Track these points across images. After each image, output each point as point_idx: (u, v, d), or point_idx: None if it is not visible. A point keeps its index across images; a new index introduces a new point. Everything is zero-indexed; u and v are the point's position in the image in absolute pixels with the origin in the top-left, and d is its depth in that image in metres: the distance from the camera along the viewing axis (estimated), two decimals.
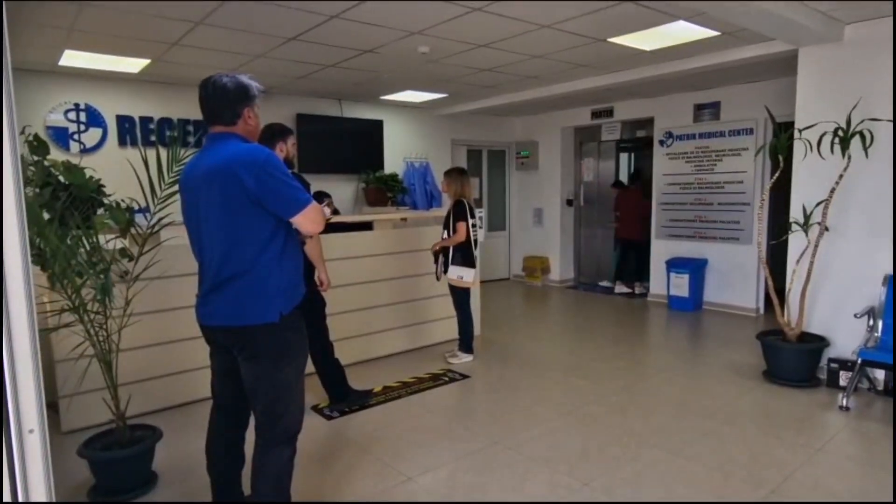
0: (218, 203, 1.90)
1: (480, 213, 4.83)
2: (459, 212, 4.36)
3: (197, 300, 2.06)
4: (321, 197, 5.45)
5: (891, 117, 3.55)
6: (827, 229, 3.82)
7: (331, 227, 4.39)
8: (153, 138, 5.36)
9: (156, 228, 2.72)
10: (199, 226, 1.99)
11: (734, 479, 2.69)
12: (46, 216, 2.69)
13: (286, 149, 3.14)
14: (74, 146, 5.01)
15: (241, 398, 2.08)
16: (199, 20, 3.63)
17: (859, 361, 3.55)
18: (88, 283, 2.49)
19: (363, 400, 3.69)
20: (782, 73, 5.31)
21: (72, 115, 5.00)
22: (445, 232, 4.44)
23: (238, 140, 1.98)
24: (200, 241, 2.00)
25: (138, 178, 2.66)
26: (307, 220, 1.94)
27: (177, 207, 2.27)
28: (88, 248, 2.52)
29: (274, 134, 3.07)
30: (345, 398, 3.62)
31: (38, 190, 2.94)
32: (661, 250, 6.75)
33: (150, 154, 2.77)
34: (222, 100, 1.96)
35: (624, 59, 4.84)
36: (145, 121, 5.36)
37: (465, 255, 4.39)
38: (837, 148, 3.66)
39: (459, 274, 4.36)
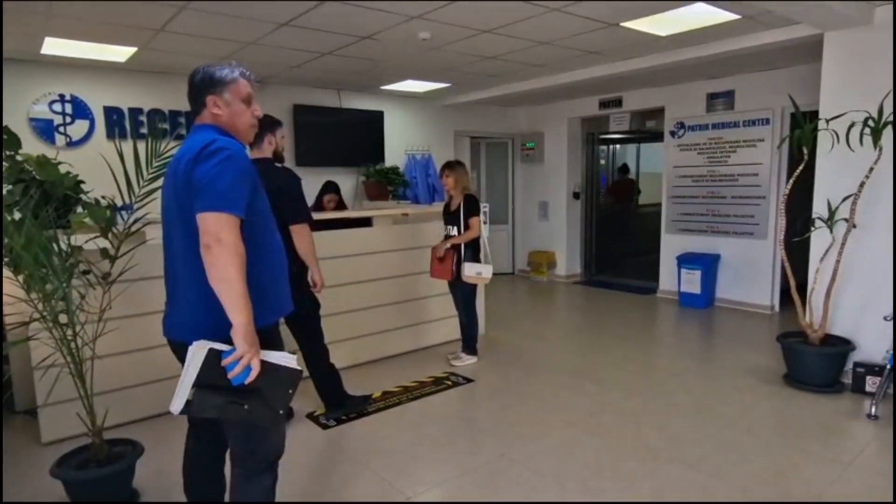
0: (173, 200, 1.71)
1: (485, 207, 4.61)
2: (472, 206, 4.15)
3: (165, 309, 1.86)
4: (327, 189, 5.22)
5: None
6: (854, 226, 3.58)
7: (328, 224, 4.19)
8: (143, 130, 5.14)
9: (133, 228, 2.51)
10: (167, 224, 1.80)
11: (761, 500, 2.48)
12: (19, 216, 2.50)
13: (275, 141, 2.94)
14: (60, 139, 4.79)
15: (218, 420, 1.87)
16: (183, 4, 3.40)
17: (889, 367, 3.33)
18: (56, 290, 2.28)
19: (360, 406, 3.50)
20: (800, 61, 5.05)
21: (57, 107, 4.78)
22: (455, 228, 4.22)
23: (208, 131, 1.76)
24: (167, 242, 1.82)
25: (113, 173, 2.45)
26: (206, 223, 1.56)
27: (157, 205, 2.07)
28: (56, 251, 2.31)
29: (262, 126, 2.86)
30: (341, 405, 3.43)
31: (10, 187, 2.75)
32: (671, 245, 6.52)
33: (140, 147, 2.56)
34: (189, 90, 1.81)
35: (637, 46, 4.59)
36: (135, 112, 5.13)
37: (475, 250, 4.19)
38: (867, 139, 3.42)
39: (478, 270, 4.16)
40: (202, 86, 1.78)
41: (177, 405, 1.61)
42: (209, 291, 1.59)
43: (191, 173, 1.62)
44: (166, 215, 1.79)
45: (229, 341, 1.60)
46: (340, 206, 5.31)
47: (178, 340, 1.76)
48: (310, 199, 5.33)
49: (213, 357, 1.59)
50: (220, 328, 1.60)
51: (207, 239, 1.55)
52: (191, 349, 1.59)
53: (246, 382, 1.59)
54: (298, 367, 1.71)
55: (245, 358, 1.57)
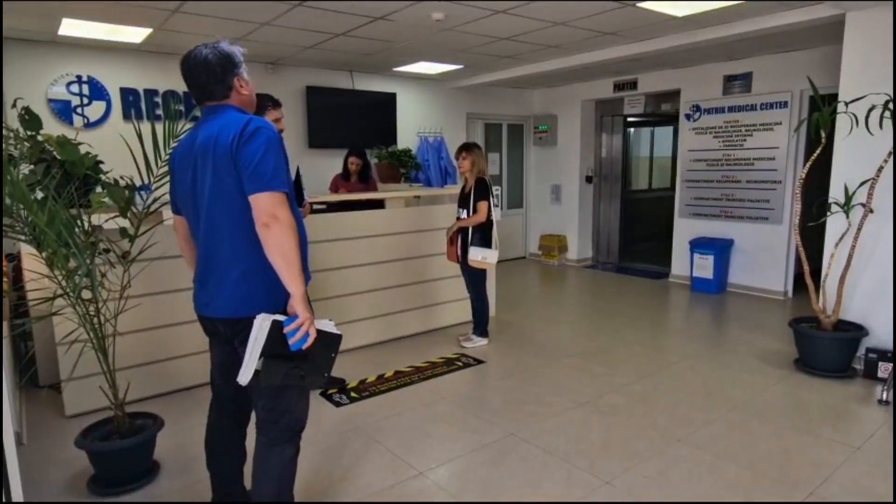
0: (210, 179, 1.73)
1: (497, 190, 4.61)
2: (482, 190, 4.14)
3: (194, 286, 1.91)
4: (351, 152, 5.11)
5: None
6: (871, 211, 3.55)
7: (340, 206, 4.21)
8: (159, 112, 5.18)
9: (152, 207, 2.56)
10: (195, 204, 1.82)
11: (767, 480, 2.51)
12: (41, 195, 2.56)
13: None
14: (78, 120, 4.85)
15: (243, 392, 1.93)
16: None
17: None
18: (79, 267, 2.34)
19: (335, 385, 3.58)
20: (820, 42, 4.96)
21: (74, 88, 4.83)
22: (465, 211, 4.24)
23: (235, 111, 1.80)
24: (197, 222, 1.84)
25: (132, 153, 2.49)
26: (262, 203, 1.63)
27: None
28: (78, 229, 2.37)
29: (261, 104, 2.91)
30: None
31: (32, 166, 2.81)
32: (684, 230, 6.48)
33: (158, 128, 2.60)
34: (209, 75, 1.77)
35: (653, 27, 4.52)
36: (150, 93, 5.17)
37: (484, 235, 4.19)
38: (887, 123, 3.37)
39: (482, 255, 4.17)
40: (225, 69, 1.78)
41: (245, 376, 1.68)
42: (254, 268, 1.71)
43: (236, 155, 1.66)
44: (197, 197, 1.79)
45: (277, 313, 1.70)
46: (365, 169, 5.25)
47: (219, 317, 1.82)
48: (329, 177, 5.33)
49: (276, 327, 1.66)
50: (264, 303, 1.72)
51: (265, 218, 1.61)
52: (256, 322, 1.66)
53: (304, 348, 1.67)
54: (340, 332, 1.80)
55: (305, 325, 1.65)
